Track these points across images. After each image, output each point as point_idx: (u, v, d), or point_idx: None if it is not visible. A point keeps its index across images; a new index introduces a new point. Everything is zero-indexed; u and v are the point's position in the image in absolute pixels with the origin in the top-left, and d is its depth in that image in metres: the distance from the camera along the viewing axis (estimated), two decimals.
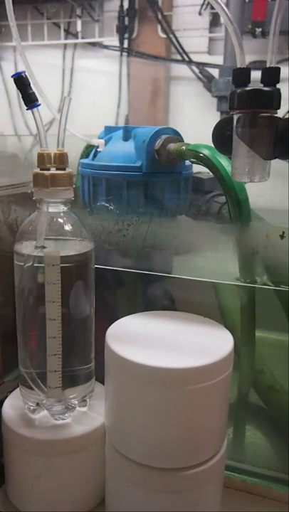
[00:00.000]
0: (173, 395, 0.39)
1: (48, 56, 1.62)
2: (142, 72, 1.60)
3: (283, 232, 0.45)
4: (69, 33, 1.60)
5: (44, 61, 1.49)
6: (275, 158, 0.40)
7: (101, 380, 0.48)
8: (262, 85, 0.38)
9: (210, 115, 1.42)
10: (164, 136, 0.52)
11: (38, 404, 0.46)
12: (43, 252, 0.43)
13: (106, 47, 1.59)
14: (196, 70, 1.51)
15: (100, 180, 0.53)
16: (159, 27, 1.51)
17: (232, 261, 0.49)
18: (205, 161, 0.50)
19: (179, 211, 0.55)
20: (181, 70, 1.54)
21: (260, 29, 1.32)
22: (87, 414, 0.48)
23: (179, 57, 1.52)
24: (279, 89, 0.38)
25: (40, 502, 0.47)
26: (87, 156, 0.58)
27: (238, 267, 0.49)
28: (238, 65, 0.38)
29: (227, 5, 1.24)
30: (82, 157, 0.61)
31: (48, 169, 0.43)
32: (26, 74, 0.43)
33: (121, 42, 1.54)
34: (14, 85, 0.42)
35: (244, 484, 0.52)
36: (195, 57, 1.51)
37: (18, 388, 0.50)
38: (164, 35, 1.51)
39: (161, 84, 1.56)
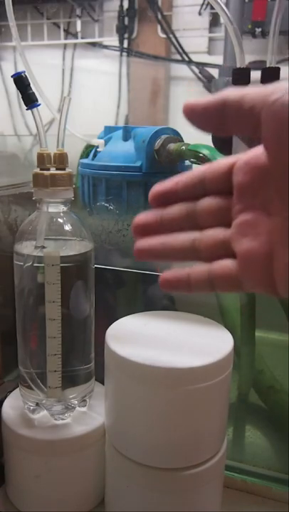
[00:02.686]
0: (173, 395, 0.39)
1: (48, 56, 1.62)
2: (142, 72, 1.60)
3: None
4: (69, 33, 1.60)
5: (44, 61, 1.49)
6: None
7: (101, 380, 0.48)
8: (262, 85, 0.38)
9: None
10: (163, 136, 0.52)
11: (37, 404, 0.46)
12: (42, 252, 0.43)
13: (106, 47, 1.59)
14: (196, 70, 1.51)
15: (99, 180, 0.53)
16: (158, 27, 1.50)
17: None
18: (205, 161, 0.50)
19: None
20: (181, 70, 1.54)
21: (260, 29, 1.32)
22: (87, 414, 0.48)
23: (178, 57, 1.52)
24: None
25: (40, 502, 0.47)
26: (87, 156, 0.58)
27: None
28: (238, 65, 0.38)
29: (227, 5, 1.24)
30: (82, 157, 0.61)
31: (48, 169, 0.43)
32: (26, 74, 0.43)
33: (121, 42, 1.54)
34: (14, 85, 0.42)
35: (244, 484, 0.52)
36: (195, 57, 1.51)
37: (18, 388, 0.50)
38: (164, 35, 1.51)
39: (161, 84, 1.55)
